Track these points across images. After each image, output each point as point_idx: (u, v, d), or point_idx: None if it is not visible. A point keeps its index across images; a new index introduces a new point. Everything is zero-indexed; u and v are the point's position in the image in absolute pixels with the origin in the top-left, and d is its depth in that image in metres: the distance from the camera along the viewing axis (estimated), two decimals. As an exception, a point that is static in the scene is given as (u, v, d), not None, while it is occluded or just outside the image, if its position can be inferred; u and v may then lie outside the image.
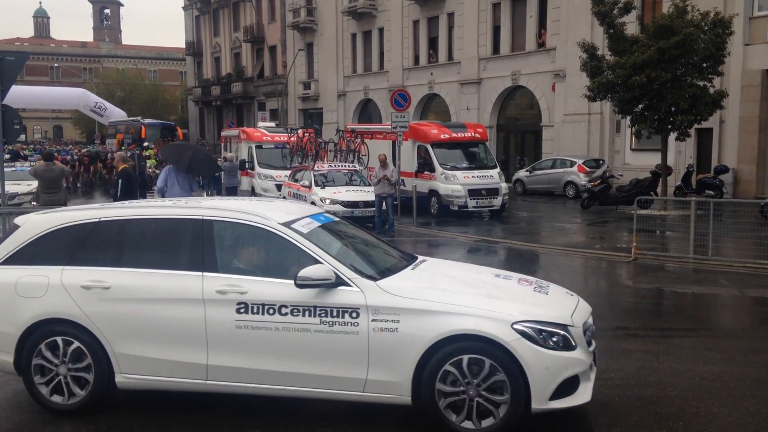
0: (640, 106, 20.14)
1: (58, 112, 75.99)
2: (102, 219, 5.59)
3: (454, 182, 19.57)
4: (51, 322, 5.33)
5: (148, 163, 26.88)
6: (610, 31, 20.19)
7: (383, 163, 17.16)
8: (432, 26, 35.83)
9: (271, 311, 5.01)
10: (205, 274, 5.19)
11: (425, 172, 20.37)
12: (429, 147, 20.44)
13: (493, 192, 19.66)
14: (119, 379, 5.30)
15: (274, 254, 5.45)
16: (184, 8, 61.54)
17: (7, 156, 25.82)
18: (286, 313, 4.99)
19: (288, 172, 20.90)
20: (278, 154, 22.87)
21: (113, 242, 5.52)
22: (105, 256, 5.45)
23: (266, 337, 5.02)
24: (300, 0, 44.50)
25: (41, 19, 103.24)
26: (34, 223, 5.72)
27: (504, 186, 20.14)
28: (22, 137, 48.60)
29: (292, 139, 23.00)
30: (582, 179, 24.34)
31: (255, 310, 5.03)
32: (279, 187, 20.98)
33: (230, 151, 25.08)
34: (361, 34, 40.59)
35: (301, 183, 19.04)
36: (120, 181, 12.19)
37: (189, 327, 5.13)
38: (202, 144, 50.46)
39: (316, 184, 18.23)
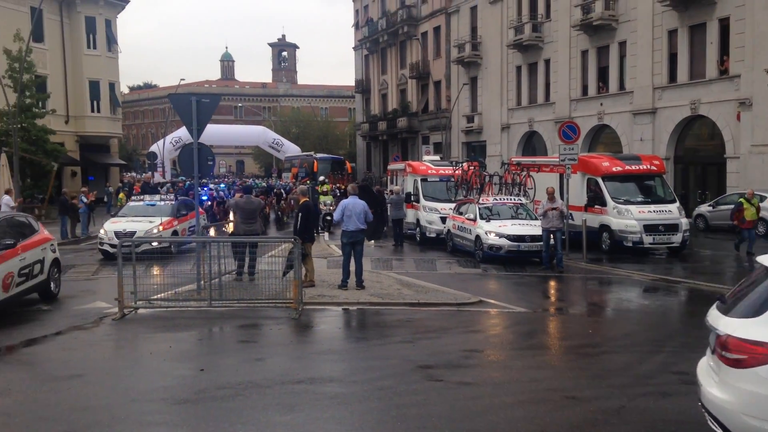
0: None
1: (240, 148, 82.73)
2: None
3: (628, 217, 18.65)
4: None
5: (324, 199, 28.21)
6: (809, 53, 18.38)
7: (551, 197, 16.78)
8: (602, 56, 34.70)
9: None
10: None
11: (595, 206, 19.66)
12: (600, 180, 19.70)
13: (672, 228, 18.48)
14: None
15: None
16: (355, 48, 64.68)
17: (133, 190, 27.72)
18: None
19: (453, 205, 21.06)
20: (443, 187, 23.10)
21: None
22: None
23: None
24: (465, 35, 45.13)
25: (227, 63, 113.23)
26: None
27: (685, 222, 18.85)
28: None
29: (457, 172, 23.17)
30: (774, 215, 22.12)
31: None
32: (443, 219, 21.19)
33: (396, 184, 25.75)
34: (526, 66, 40.24)
35: (466, 216, 19.08)
36: (300, 214, 13.04)
37: None
38: (368, 176, 52.56)
39: (481, 217, 18.18)
